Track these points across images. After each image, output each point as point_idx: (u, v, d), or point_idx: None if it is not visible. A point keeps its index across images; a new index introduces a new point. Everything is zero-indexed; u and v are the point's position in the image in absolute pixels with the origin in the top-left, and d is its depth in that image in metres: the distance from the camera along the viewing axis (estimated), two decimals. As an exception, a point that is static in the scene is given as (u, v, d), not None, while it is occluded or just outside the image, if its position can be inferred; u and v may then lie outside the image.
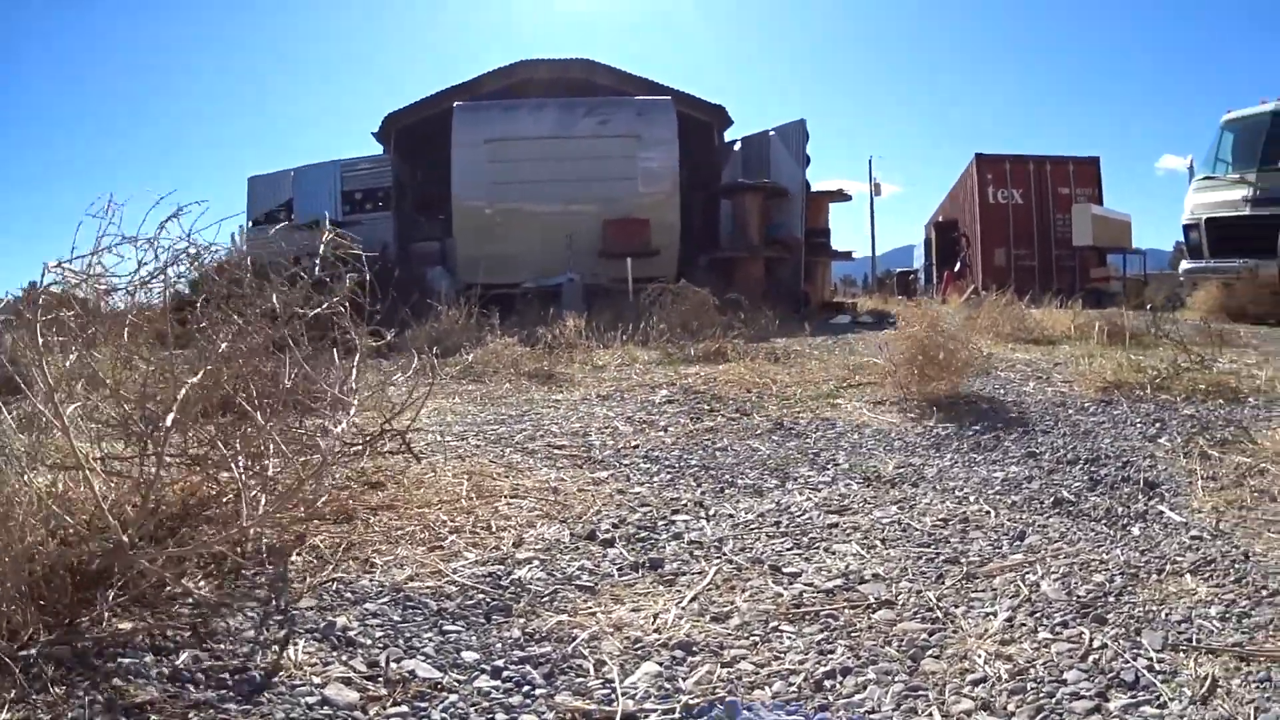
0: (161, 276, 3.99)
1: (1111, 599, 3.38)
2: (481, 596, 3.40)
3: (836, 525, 4.30)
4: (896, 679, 2.78)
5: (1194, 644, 2.99)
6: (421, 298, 12.58)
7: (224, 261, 4.54)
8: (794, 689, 2.72)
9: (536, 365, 9.44)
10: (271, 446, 3.90)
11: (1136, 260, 32.08)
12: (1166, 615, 3.22)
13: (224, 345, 4.06)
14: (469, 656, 2.92)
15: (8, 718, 2.33)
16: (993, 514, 4.45)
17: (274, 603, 3.18)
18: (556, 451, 5.75)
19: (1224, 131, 19.93)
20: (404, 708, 2.57)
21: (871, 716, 2.57)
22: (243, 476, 3.61)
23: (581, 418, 6.87)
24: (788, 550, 3.96)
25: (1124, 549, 3.95)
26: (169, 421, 3.48)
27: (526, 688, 2.72)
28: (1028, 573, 3.65)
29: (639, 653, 2.96)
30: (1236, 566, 3.69)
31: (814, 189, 21.73)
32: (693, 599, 3.40)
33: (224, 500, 3.77)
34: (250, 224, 21.34)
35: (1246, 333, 12.95)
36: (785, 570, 3.70)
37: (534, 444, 5.95)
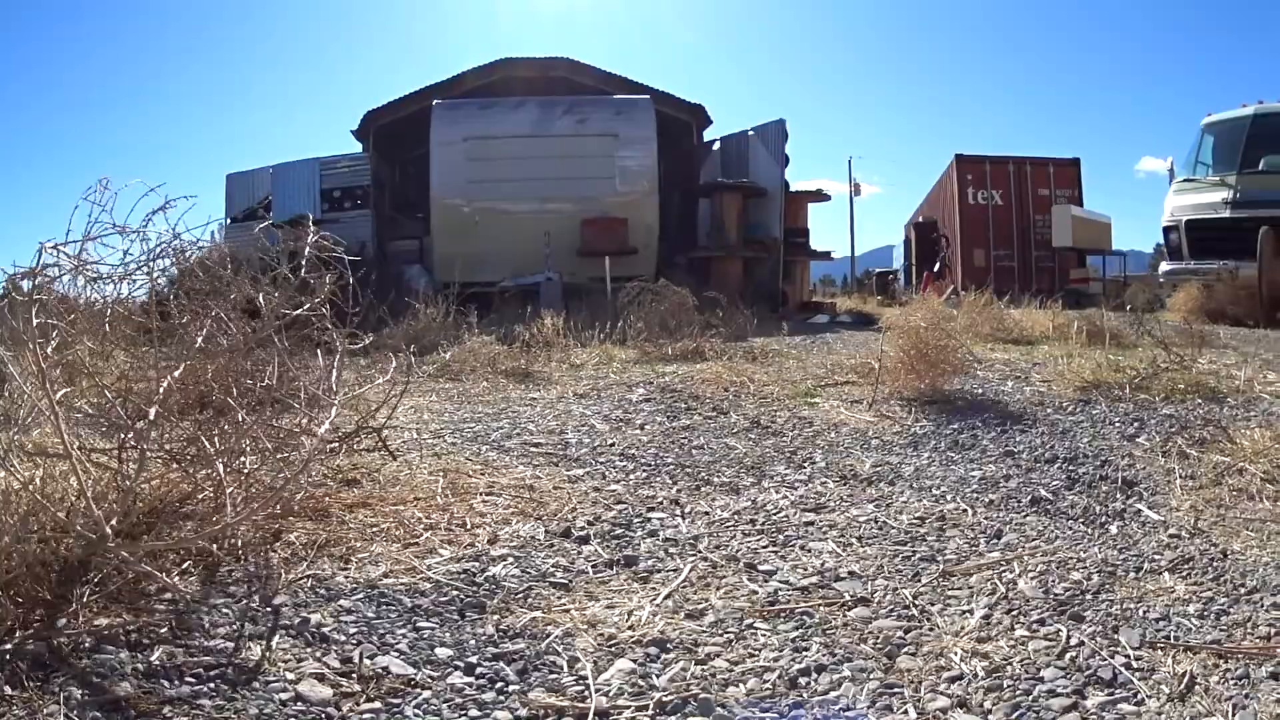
0: (146, 269, 3.99)
1: (1089, 597, 3.39)
2: (456, 593, 3.39)
3: (813, 523, 4.30)
4: (872, 676, 2.78)
5: (1172, 642, 3.00)
6: (399, 296, 12.57)
7: (204, 258, 4.53)
8: (768, 686, 2.72)
9: (514, 364, 9.44)
10: (250, 444, 3.89)
11: (1116, 262, 32.23)
12: (1144, 613, 3.24)
13: (200, 340, 4.04)
14: (442, 653, 2.91)
15: (-17, 712, 2.33)
16: (970, 512, 4.46)
17: (249, 599, 3.17)
18: (533, 449, 5.74)
19: (1204, 134, 20.09)
20: (377, 704, 2.57)
21: (846, 714, 2.57)
22: (224, 473, 3.59)
23: (558, 416, 6.86)
24: (763, 548, 3.96)
25: (1102, 547, 3.97)
26: (152, 414, 3.47)
27: (500, 684, 2.72)
28: (1005, 571, 3.66)
29: (613, 650, 2.96)
30: (1215, 565, 3.71)
31: (793, 189, 21.79)
32: (667, 596, 3.40)
33: (200, 498, 3.76)
34: (228, 221, 21.29)
35: (1226, 334, 13.01)
36: (760, 568, 3.71)
37: (510, 442, 5.95)
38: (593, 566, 3.72)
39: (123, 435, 3.53)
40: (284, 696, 2.55)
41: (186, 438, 3.87)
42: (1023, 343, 11.37)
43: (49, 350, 3.42)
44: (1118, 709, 2.57)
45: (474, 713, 2.55)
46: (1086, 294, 25.80)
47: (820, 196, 23.48)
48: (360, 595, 3.30)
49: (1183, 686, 2.68)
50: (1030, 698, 2.63)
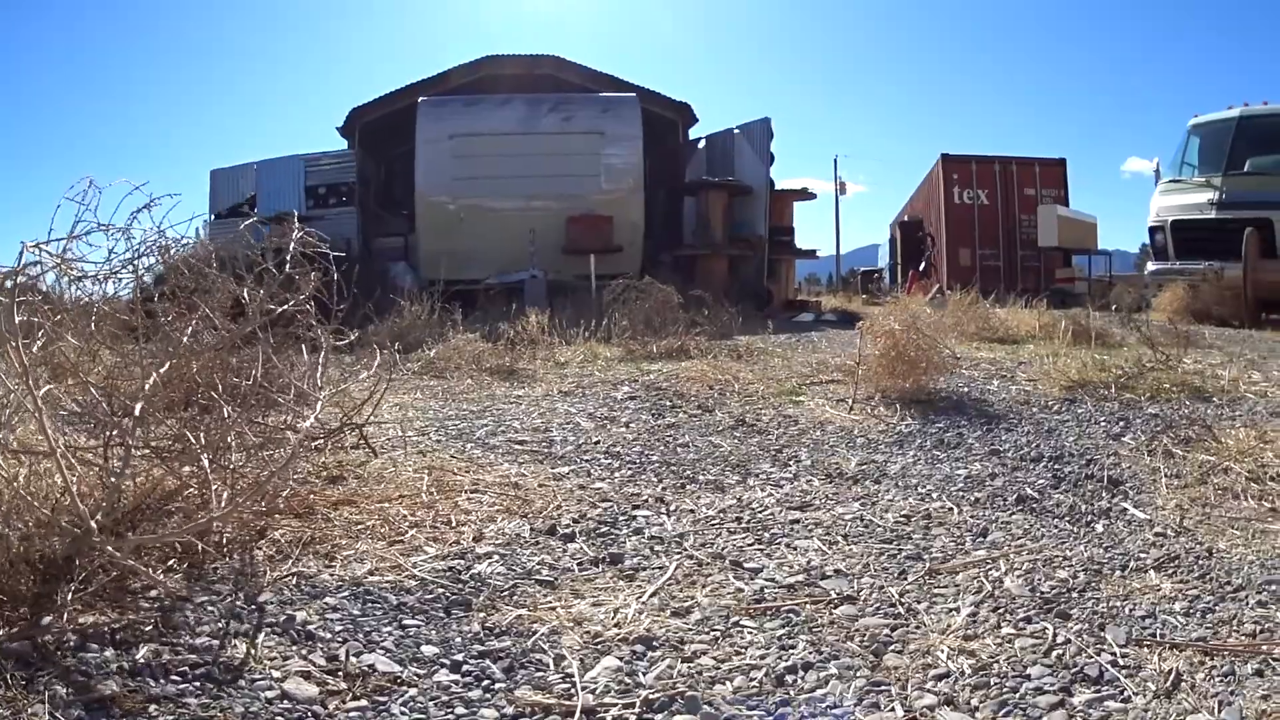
0: (130, 267, 3.97)
1: (1075, 595, 3.41)
2: (441, 591, 3.39)
3: (798, 521, 4.31)
4: (858, 674, 2.78)
5: (1158, 639, 3.02)
6: (384, 293, 12.54)
7: (190, 255, 4.52)
8: (755, 684, 2.72)
9: (499, 361, 9.43)
10: (235, 440, 3.88)
11: (1102, 261, 32.29)
12: (1130, 611, 3.25)
13: (186, 338, 4.03)
14: (428, 650, 2.91)
15: (-33, 712, 2.32)
16: (955, 511, 4.47)
17: (234, 597, 3.16)
18: (518, 447, 5.74)
19: (1191, 136, 20.17)
20: (363, 702, 2.56)
21: (833, 711, 2.58)
22: (209, 469, 3.58)
23: (543, 413, 6.85)
24: (749, 546, 3.96)
25: (1088, 546, 3.98)
26: (137, 410, 3.46)
27: (486, 682, 2.71)
28: (991, 569, 3.67)
29: (599, 647, 2.96)
30: (1200, 563, 3.73)
31: (778, 187, 21.82)
32: (653, 594, 3.40)
33: (186, 495, 3.75)
34: (213, 218, 21.25)
35: (1211, 334, 13.05)
36: (746, 565, 3.71)
37: (495, 439, 5.94)
38: (578, 564, 3.72)
39: (108, 432, 3.52)
40: (270, 694, 2.55)
41: (172, 435, 3.87)
42: (1008, 342, 11.38)
43: (34, 349, 3.41)
44: (1105, 706, 2.58)
45: (460, 710, 2.55)
46: (1072, 294, 25.83)
47: (806, 195, 23.50)
48: (346, 593, 3.30)
49: (1169, 683, 2.69)
50: (1017, 695, 2.64)
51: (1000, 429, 6.29)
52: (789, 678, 2.77)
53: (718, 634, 3.07)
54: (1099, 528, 4.27)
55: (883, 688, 2.70)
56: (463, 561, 3.68)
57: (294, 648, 2.85)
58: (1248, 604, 3.31)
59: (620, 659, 2.87)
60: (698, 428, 6.36)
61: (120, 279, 4.02)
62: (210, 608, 3.05)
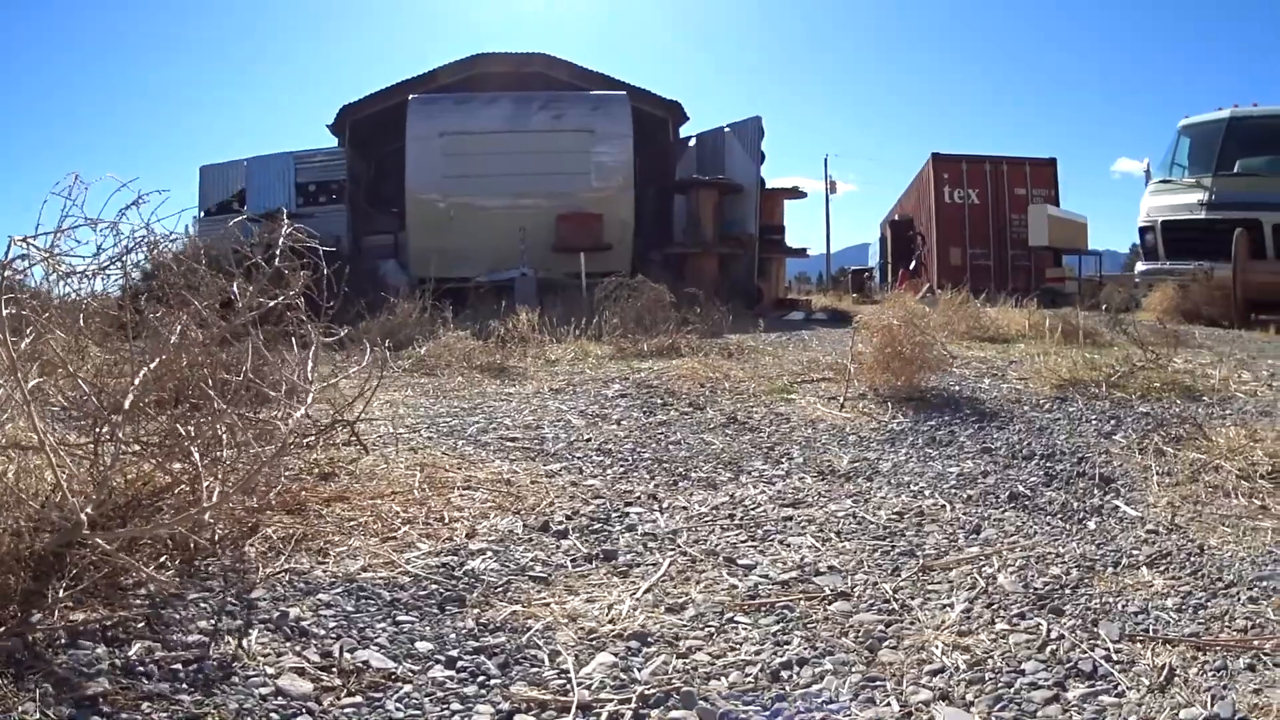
0: (119, 263, 3.97)
1: (1068, 591, 3.42)
2: (435, 587, 3.38)
3: (791, 518, 4.31)
4: (854, 670, 2.79)
5: (1151, 635, 3.03)
6: (375, 291, 12.54)
7: (179, 252, 4.51)
8: (750, 680, 2.72)
9: (489, 359, 9.42)
10: (226, 434, 3.87)
11: (1092, 261, 32.37)
12: (1123, 607, 3.26)
13: (174, 337, 4.02)
14: (423, 647, 2.91)
15: (-43, 710, 2.31)
16: (948, 508, 4.48)
17: (227, 593, 3.15)
18: (509, 444, 5.73)
19: (1181, 136, 20.24)
20: (358, 698, 2.56)
21: (829, 706, 2.58)
22: (200, 462, 3.57)
23: (534, 411, 6.85)
24: (742, 542, 3.97)
25: (1080, 542, 3.99)
26: (127, 404, 3.45)
27: (481, 678, 2.71)
28: (984, 565, 3.68)
29: (594, 643, 2.96)
30: (1192, 560, 3.74)
31: (769, 186, 21.83)
32: (647, 590, 3.40)
33: (177, 491, 3.73)
34: (202, 214, 21.23)
35: (1201, 334, 13.10)
36: (740, 562, 3.71)
37: (487, 436, 5.94)
38: (572, 560, 3.72)
39: (98, 429, 3.51)
40: (264, 691, 2.54)
41: (163, 430, 3.86)
42: (999, 341, 11.38)
43: (23, 345, 3.40)
44: (1099, 701, 2.59)
45: (456, 706, 2.54)
46: (1062, 293, 25.90)
47: (796, 194, 23.52)
48: (339, 589, 3.29)
49: (1162, 678, 2.71)
50: (1012, 690, 2.64)
51: (992, 427, 6.29)
52: (784, 673, 2.77)
53: (712, 630, 3.07)
54: (1091, 525, 4.28)
55: (878, 683, 2.70)
56: (456, 558, 3.68)
57: (288, 644, 2.84)
58: (1239, 600, 3.32)
59: (615, 655, 2.87)
60: (689, 425, 6.36)
61: (109, 275, 4.02)
62: (203, 604, 3.04)
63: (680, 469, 5.20)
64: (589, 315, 11.51)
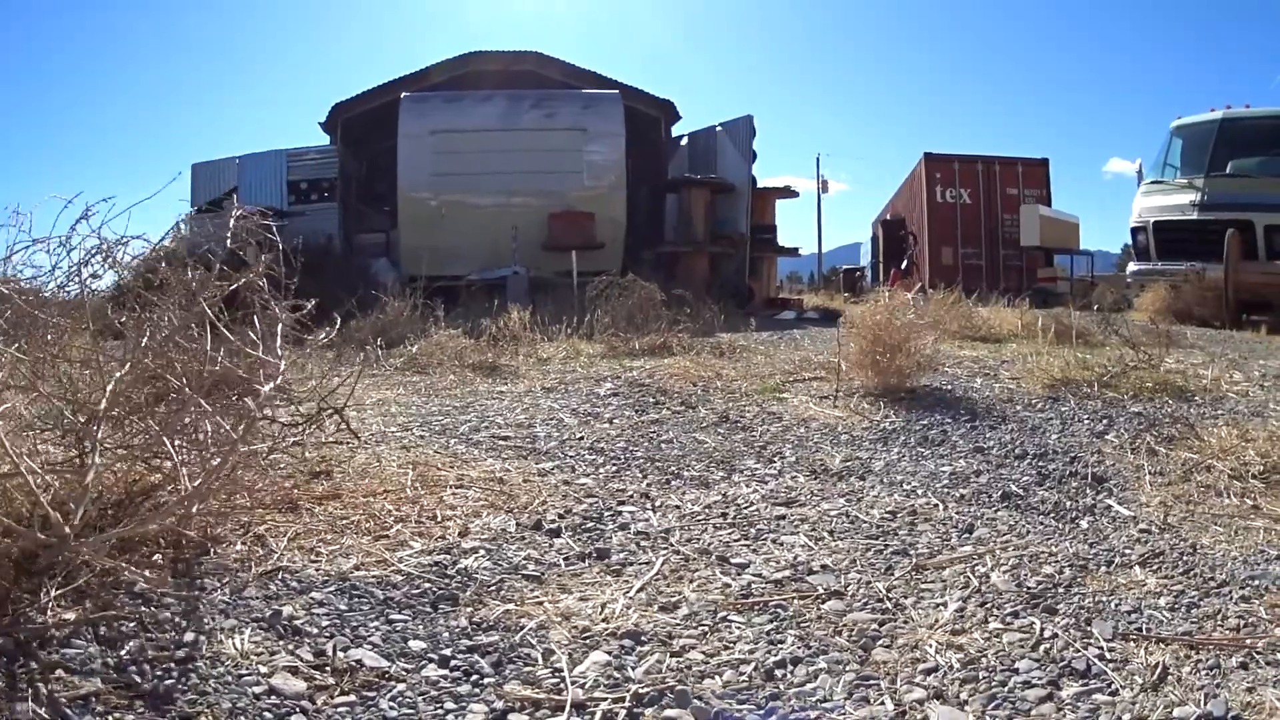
0: (78, 276, 3.99)
1: (1061, 590, 3.43)
2: (428, 586, 3.38)
3: (784, 517, 4.31)
4: (848, 668, 2.79)
5: (1144, 633, 3.04)
6: (366, 289, 12.53)
7: (147, 254, 4.50)
8: (744, 678, 2.73)
9: (481, 357, 9.41)
10: (199, 420, 3.85)
11: (1084, 261, 32.44)
12: (1116, 606, 3.27)
13: (144, 340, 4.01)
14: (416, 645, 2.90)
15: (-51, 711, 2.30)
16: (941, 507, 4.48)
17: (220, 592, 3.15)
18: (501, 443, 5.73)
19: (1173, 137, 20.29)
20: (352, 697, 2.56)
21: (823, 705, 2.58)
22: (175, 452, 3.56)
23: (526, 410, 6.84)
24: (735, 541, 3.97)
25: (1073, 542, 4.00)
26: (102, 408, 3.44)
27: (475, 676, 2.71)
28: (977, 564, 3.68)
29: (587, 642, 2.96)
30: (1185, 559, 3.75)
31: (761, 185, 21.81)
32: (640, 589, 3.40)
33: (169, 488, 3.73)
34: (194, 211, 21.20)
35: (1193, 334, 13.11)
36: (733, 561, 3.71)
37: (479, 435, 5.93)
38: (565, 559, 3.72)
39: (81, 444, 3.50)
40: (257, 690, 2.54)
41: (140, 429, 3.84)
42: (991, 341, 11.39)
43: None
44: (1092, 699, 2.60)
45: (450, 705, 2.54)
46: (1054, 293, 25.96)
47: (788, 193, 23.52)
48: (332, 587, 3.29)
49: (1156, 677, 2.72)
50: (1006, 689, 2.65)
51: (984, 426, 6.30)
52: (778, 672, 2.77)
53: (706, 629, 3.07)
54: (1084, 524, 4.29)
55: (872, 682, 2.71)
56: (449, 556, 3.68)
57: (280, 643, 2.84)
58: (1231, 599, 3.34)
59: (609, 653, 2.87)
60: (681, 424, 6.36)
61: (69, 290, 4.04)
62: (196, 603, 3.04)
63: (673, 468, 5.20)
64: (581, 314, 11.52)
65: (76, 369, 3.99)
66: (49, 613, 2.77)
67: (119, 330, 4.18)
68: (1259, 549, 3.88)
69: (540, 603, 3.27)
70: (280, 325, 4.38)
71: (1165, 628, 3.09)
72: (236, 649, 2.75)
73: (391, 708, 2.52)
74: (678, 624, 3.10)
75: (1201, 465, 5.10)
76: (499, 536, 3.95)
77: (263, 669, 2.65)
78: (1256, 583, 3.48)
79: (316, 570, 3.44)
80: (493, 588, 3.40)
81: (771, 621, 3.14)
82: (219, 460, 3.65)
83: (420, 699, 2.57)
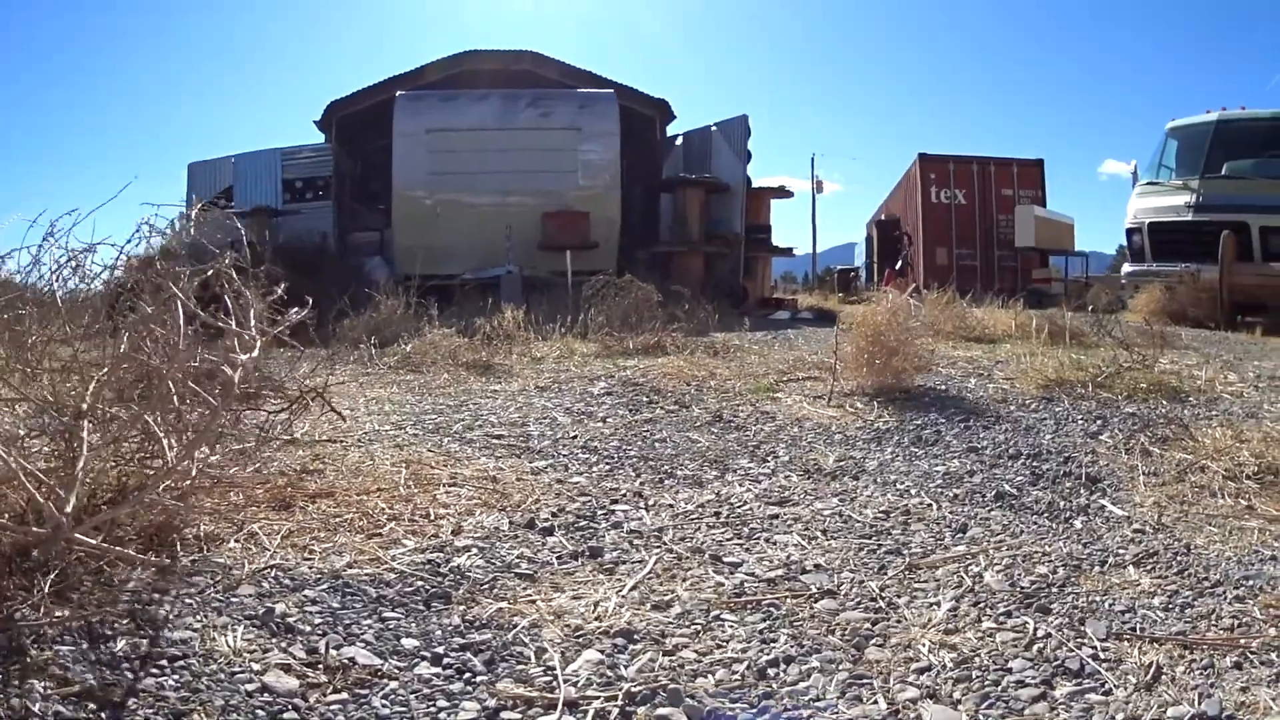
0: (50, 287, 4.02)
1: (1055, 590, 3.43)
2: (421, 584, 3.38)
3: (777, 516, 4.31)
4: (840, 667, 2.79)
5: (1138, 633, 3.05)
6: (360, 288, 12.51)
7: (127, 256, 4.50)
8: (737, 677, 2.73)
9: (475, 356, 9.41)
10: (185, 404, 3.84)
11: (1078, 262, 32.45)
12: (1110, 605, 3.27)
13: (124, 337, 4.01)
14: (409, 643, 2.90)
15: (-59, 707, 2.30)
16: (934, 507, 4.49)
17: (213, 589, 3.14)
18: (495, 441, 5.72)
19: (1169, 139, 20.32)
20: (344, 695, 2.56)
21: (816, 704, 2.58)
22: (159, 425, 3.55)
23: (520, 408, 6.84)
24: (728, 540, 3.97)
25: (1067, 541, 4.01)
26: (86, 405, 3.44)
27: (467, 675, 2.71)
28: (971, 564, 3.68)
29: (580, 640, 2.96)
30: (1179, 559, 3.76)
31: (755, 185, 21.82)
32: (633, 587, 3.40)
33: (163, 487, 3.72)
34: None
35: (1188, 335, 13.13)
36: (726, 560, 3.71)
37: (472, 434, 5.93)
38: (558, 558, 3.72)
39: (71, 445, 3.50)
40: (250, 687, 2.54)
41: (128, 416, 3.83)
42: (985, 341, 11.38)
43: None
44: (1086, 699, 2.60)
45: (442, 703, 2.54)
46: (1049, 294, 25.94)
47: (783, 193, 23.52)
48: (325, 585, 3.29)
49: (1149, 676, 2.72)
50: (999, 688, 2.65)
51: (978, 426, 6.30)
52: (771, 671, 2.77)
53: (699, 627, 3.07)
54: (1078, 524, 4.30)
55: (865, 681, 2.70)
56: (442, 554, 3.68)
57: (273, 640, 2.84)
58: (1225, 599, 3.33)
59: (601, 652, 2.87)
60: (675, 423, 6.36)
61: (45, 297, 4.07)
62: (189, 600, 3.03)
63: (666, 467, 5.20)
64: (575, 313, 11.51)
65: (59, 376, 3.99)
66: (41, 610, 2.76)
67: (106, 330, 4.18)
68: (1253, 549, 3.88)
69: (533, 601, 3.27)
70: (253, 309, 4.36)
71: (1159, 627, 3.09)
72: (229, 646, 2.75)
73: (384, 705, 2.51)
74: (670, 623, 3.10)
75: (1196, 466, 5.11)
76: (492, 535, 3.95)
77: (255, 666, 2.65)
78: (1251, 583, 3.48)
79: (309, 568, 3.43)
80: (485, 586, 3.40)
81: (764, 620, 3.14)
82: (203, 425, 3.65)
83: (413, 697, 2.57)
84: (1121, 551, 3.86)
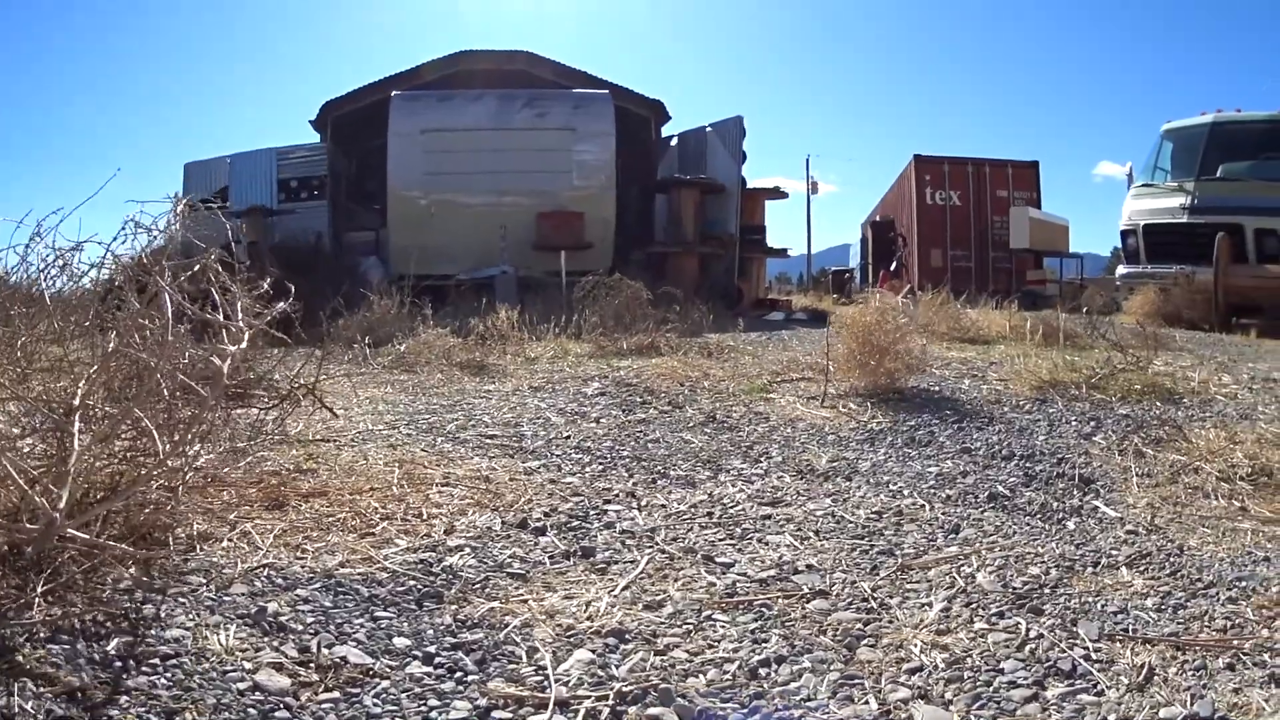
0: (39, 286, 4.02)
1: (1047, 590, 3.43)
2: (413, 583, 3.38)
3: (770, 516, 4.32)
4: (832, 667, 2.79)
5: (1130, 634, 3.05)
6: (354, 288, 12.51)
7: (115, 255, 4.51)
8: (728, 677, 2.73)
9: (469, 356, 9.41)
10: (176, 402, 3.83)
11: (1073, 264, 32.50)
12: (1103, 606, 3.28)
13: (113, 334, 4.01)
14: (400, 643, 2.90)
15: (-67, 706, 2.29)
16: (927, 507, 4.49)
17: (205, 588, 3.14)
18: (488, 441, 5.72)
19: (1163, 141, 20.35)
20: (336, 694, 2.56)
21: (807, 704, 2.58)
22: (150, 419, 3.55)
23: (513, 408, 6.84)
24: (721, 540, 3.97)
25: (1059, 542, 4.01)
26: (78, 401, 3.44)
27: (459, 674, 2.71)
28: (963, 565, 3.69)
29: (571, 640, 2.96)
30: (1172, 560, 3.76)
31: (750, 186, 21.80)
32: (625, 587, 3.40)
33: (155, 486, 3.72)
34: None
35: (1182, 337, 13.15)
36: (718, 560, 3.72)
37: (466, 433, 5.93)
38: (550, 557, 3.72)
39: (62, 442, 3.49)
40: (242, 686, 2.54)
41: (119, 411, 3.83)
42: (979, 342, 11.38)
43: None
44: (1078, 700, 2.60)
45: (433, 702, 2.54)
46: (1043, 295, 25.98)
47: (777, 194, 23.51)
48: (317, 584, 3.29)
49: (1142, 677, 2.72)
50: (991, 689, 2.65)
51: (971, 427, 6.30)
52: (762, 671, 2.77)
53: (690, 627, 3.08)
54: (1071, 525, 4.30)
55: (856, 681, 2.71)
56: (434, 554, 3.68)
57: (265, 639, 2.84)
58: (1218, 600, 3.34)
59: (593, 651, 2.87)
60: (668, 424, 6.36)
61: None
62: (182, 599, 3.03)
63: (659, 467, 5.20)
64: (569, 313, 11.51)
65: (50, 374, 3.99)
66: (35, 608, 2.76)
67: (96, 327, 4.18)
68: (1246, 550, 3.89)
69: (525, 601, 3.27)
70: (240, 303, 4.36)
71: (1152, 628, 3.09)
72: (221, 645, 2.75)
73: (375, 704, 2.51)
74: (662, 622, 3.10)
75: (1189, 467, 5.11)
76: (484, 534, 3.95)
77: (247, 665, 2.65)
78: (1244, 584, 3.48)
79: (302, 567, 3.43)
80: (477, 586, 3.40)
81: (756, 620, 3.14)
82: (193, 418, 3.65)
83: (404, 696, 2.57)
84: (1114, 552, 3.86)
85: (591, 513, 4.33)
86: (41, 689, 2.38)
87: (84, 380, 3.56)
